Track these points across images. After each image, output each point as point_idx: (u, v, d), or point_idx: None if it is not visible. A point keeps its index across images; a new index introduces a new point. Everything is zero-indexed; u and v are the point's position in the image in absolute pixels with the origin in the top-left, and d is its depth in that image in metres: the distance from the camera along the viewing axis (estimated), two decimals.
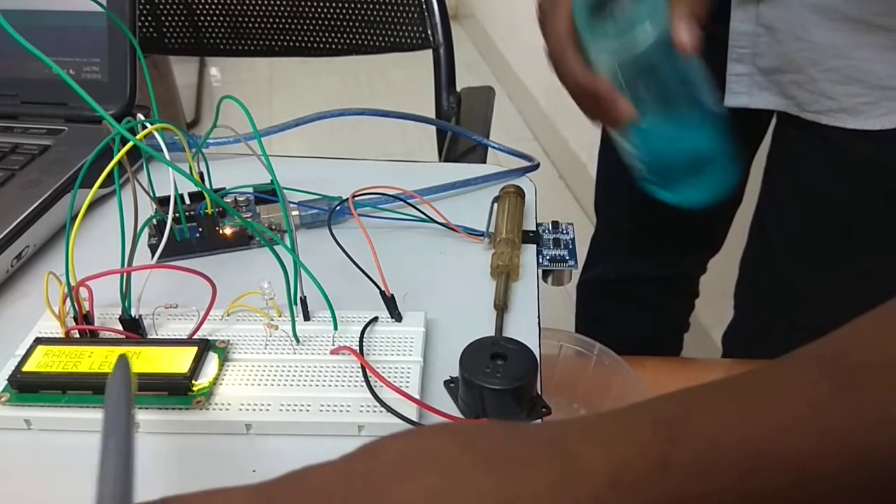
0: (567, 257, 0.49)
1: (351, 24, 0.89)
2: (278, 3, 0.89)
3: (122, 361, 0.27)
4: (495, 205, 0.50)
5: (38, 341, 0.37)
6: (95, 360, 0.36)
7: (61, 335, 0.38)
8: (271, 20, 0.90)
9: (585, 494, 0.23)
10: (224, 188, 0.49)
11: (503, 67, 2.47)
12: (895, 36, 0.53)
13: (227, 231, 0.47)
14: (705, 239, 0.84)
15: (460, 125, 0.81)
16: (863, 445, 0.22)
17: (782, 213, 0.68)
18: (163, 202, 0.46)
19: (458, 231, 0.49)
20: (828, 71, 0.56)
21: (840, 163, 0.60)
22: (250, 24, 0.91)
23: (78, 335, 0.38)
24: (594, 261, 0.90)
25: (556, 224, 0.52)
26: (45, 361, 0.36)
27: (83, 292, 0.38)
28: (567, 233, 0.51)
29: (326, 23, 0.89)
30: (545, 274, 0.49)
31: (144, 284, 0.38)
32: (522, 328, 0.42)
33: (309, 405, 0.35)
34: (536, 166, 0.57)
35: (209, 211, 0.46)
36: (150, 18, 0.90)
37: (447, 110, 0.85)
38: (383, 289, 0.41)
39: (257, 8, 0.89)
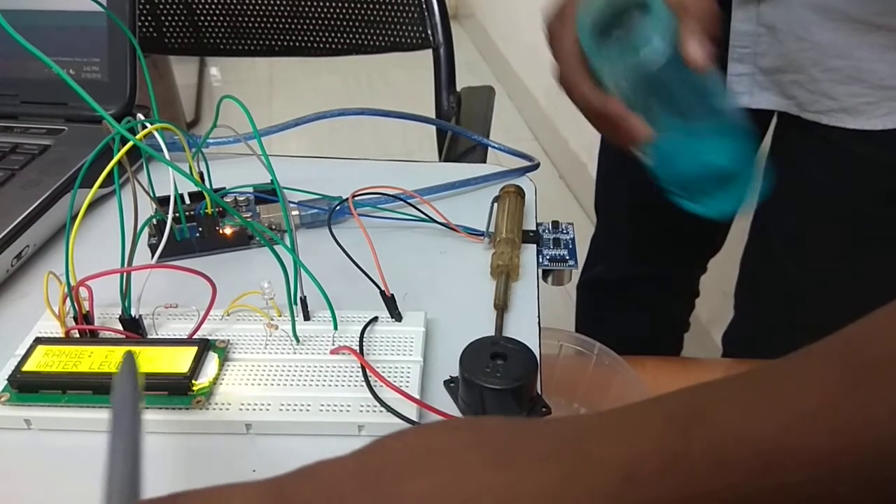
0: (567, 257, 0.49)
1: (351, 24, 0.89)
2: (278, 3, 0.89)
3: (129, 358, 0.27)
4: (495, 204, 0.50)
5: (38, 341, 0.37)
6: (95, 359, 0.36)
7: (61, 335, 0.38)
8: (271, 20, 0.90)
9: (598, 489, 0.22)
10: (224, 188, 0.49)
11: (503, 67, 2.47)
12: None
13: (227, 231, 0.47)
14: (705, 239, 0.84)
15: (460, 125, 0.81)
16: (877, 441, 0.22)
17: (782, 213, 0.68)
18: (163, 202, 0.46)
19: (458, 231, 0.49)
20: (829, 71, 0.56)
21: (840, 163, 0.60)
22: (250, 24, 0.91)
23: (78, 335, 0.38)
24: (594, 261, 0.90)
25: (556, 224, 0.52)
26: (45, 361, 0.36)
27: (83, 292, 0.38)
28: (567, 232, 0.51)
29: (326, 23, 0.89)
30: (545, 274, 0.49)
31: (144, 284, 0.38)
32: (522, 328, 0.42)
33: (309, 405, 0.35)
34: (536, 166, 0.57)
35: (209, 211, 0.46)
36: (150, 18, 0.90)
37: (447, 110, 0.85)
38: (383, 289, 0.41)
39: (257, 8, 0.89)
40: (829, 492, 0.22)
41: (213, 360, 0.37)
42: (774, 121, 0.67)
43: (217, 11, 0.90)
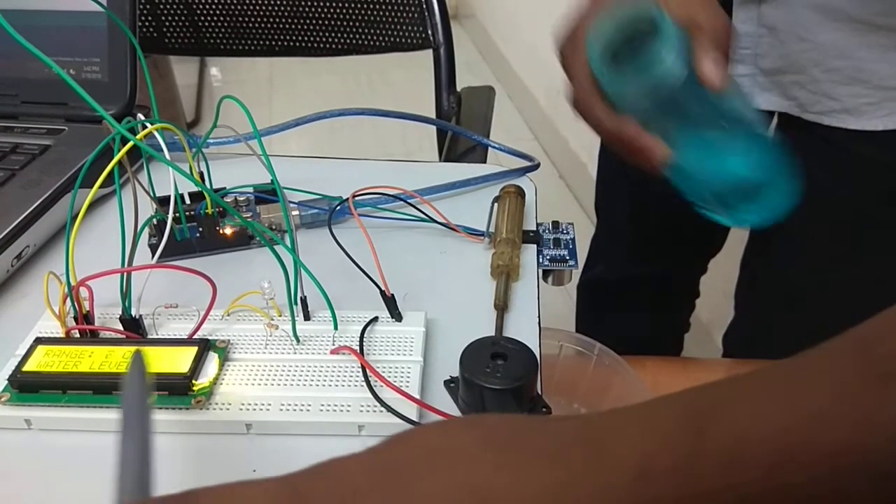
0: (567, 257, 0.49)
1: (351, 24, 0.89)
2: (278, 3, 0.89)
3: (138, 357, 0.27)
4: (495, 205, 0.50)
5: (39, 341, 0.37)
6: (95, 360, 0.36)
7: (61, 335, 0.38)
8: (271, 20, 0.90)
9: (610, 486, 0.22)
10: (224, 188, 0.49)
11: (503, 67, 2.47)
12: None
13: (228, 231, 0.47)
14: (706, 239, 0.84)
15: (460, 125, 0.81)
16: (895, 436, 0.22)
17: None
18: (163, 202, 0.46)
19: (458, 231, 0.49)
20: (830, 71, 0.56)
21: (841, 163, 0.60)
22: (250, 24, 0.91)
23: (78, 335, 0.38)
24: (594, 261, 0.90)
25: (556, 224, 0.52)
26: (45, 361, 0.36)
27: (83, 292, 0.38)
28: (567, 233, 0.51)
29: (326, 23, 0.89)
30: (545, 274, 0.49)
31: (144, 284, 0.38)
32: (522, 328, 0.42)
33: (309, 405, 0.35)
34: (537, 166, 0.57)
35: (209, 211, 0.46)
36: (150, 18, 0.90)
37: (447, 110, 0.85)
38: (383, 289, 0.41)
39: (257, 8, 0.89)
40: (846, 487, 0.22)
41: (213, 360, 0.37)
42: (775, 121, 0.67)
43: (217, 11, 0.90)
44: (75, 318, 0.38)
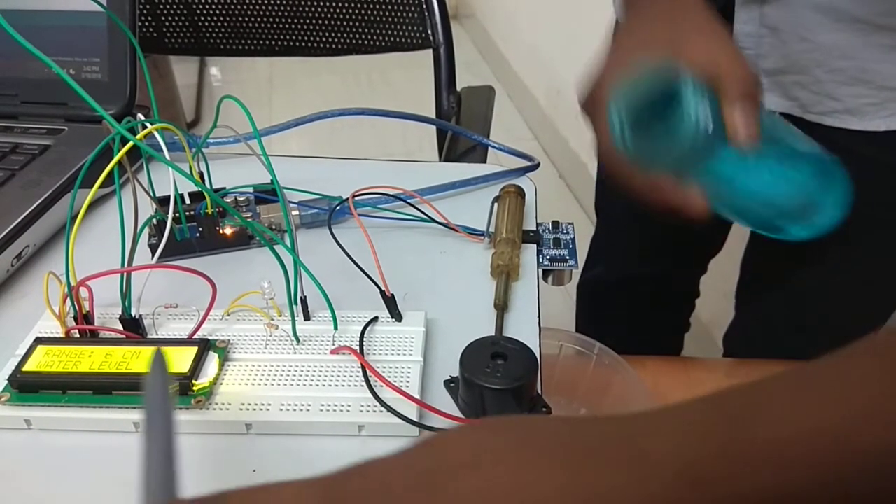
0: (567, 257, 0.49)
1: (351, 24, 0.89)
2: (278, 3, 0.89)
3: (159, 357, 0.26)
4: (495, 204, 0.50)
5: (38, 341, 0.37)
6: (95, 359, 0.36)
7: (61, 335, 0.38)
8: (271, 20, 0.90)
9: (658, 491, 0.22)
10: (224, 188, 0.49)
11: (503, 67, 2.47)
12: None
13: (227, 231, 0.47)
14: (706, 239, 0.84)
15: (460, 125, 0.81)
16: None
17: None
18: (163, 202, 0.46)
19: (458, 231, 0.49)
20: (832, 72, 0.56)
21: (843, 164, 0.60)
22: (250, 24, 0.91)
23: (78, 335, 0.38)
24: (594, 261, 0.90)
25: (556, 224, 0.52)
26: (45, 361, 0.36)
27: (83, 292, 0.38)
28: (567, 232, 0.51)
29: (326, 23, 0.89)
30: (545, 274, 0.49)
31: (144, 284, 0.38)
32: (522, 328, 0.42)
33: (309, 405, 0.35)
34: (536, 166, 0.57)
35: (209, 211, 0.46)
36: (150, 18, 0.90)
37: (447, 110, 0.85)
38: (383, 289, 0.40)
39: (257, 8, 0.89)
40: (889, 486, 0.22)
41: (213, 360, 0.37)
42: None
43: (217, 11, 0.90)
44: (75, 318, 0.38)
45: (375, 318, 0.40)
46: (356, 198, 0.48)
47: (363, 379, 0.36)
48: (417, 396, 0.35)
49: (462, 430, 0.25)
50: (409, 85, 1.60)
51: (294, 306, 0.38)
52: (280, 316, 0.40)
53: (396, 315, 0.40)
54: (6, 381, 0.36)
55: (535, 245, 0.49)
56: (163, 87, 1.81)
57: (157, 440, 0.23)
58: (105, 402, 0.35)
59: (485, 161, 0.67)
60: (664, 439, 0.24)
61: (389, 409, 0.34)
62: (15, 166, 0.51)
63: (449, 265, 0.47)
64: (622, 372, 0.60)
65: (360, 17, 0.88)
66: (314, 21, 0.90)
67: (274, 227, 0.48)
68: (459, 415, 0.36)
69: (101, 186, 0.36)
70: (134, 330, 0.39)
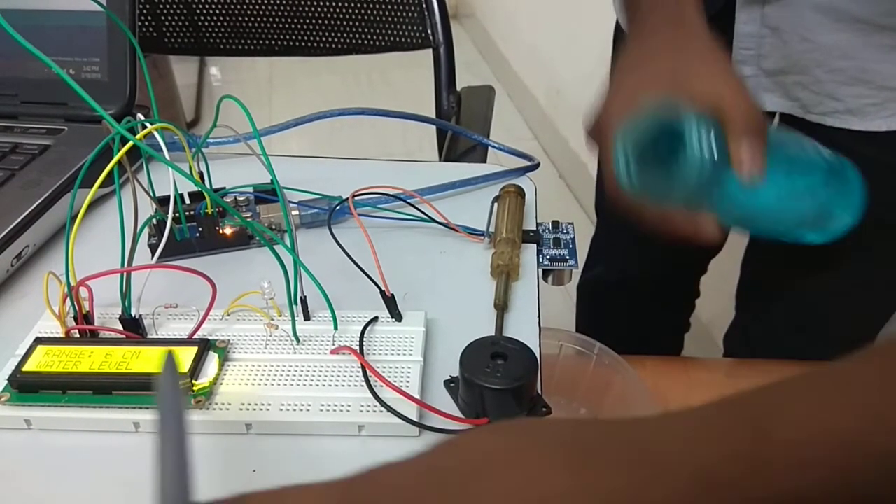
0: (567, 257, 0.49)
1: (351, 23, 0.89)
2: (278, 3, 0.89)
3: (171, 359, 0.26)
4: (495, 204, 0.50)
5: (38, 341, 0.37)
6: (95, 359, 0.36)
7: (61, 335, 0.38)
8: (271, 20, 0.90)
9: (674, 495, 0.22)
10: (224, 188, 0.49)
11: (503, 67, 2.47)
12: None
13: (227, 231, 0.47)
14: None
15: (460, 124, 0.81)
16: None
17: None
18: (163, 202, 0.46)
19: (458, 231, 0.49)
20: (834, 72, 0.56)
21: None
22: (250, 24, 0.91)
23: (78, 335, 0.38)
24: (595, 261, 0.90)
25: (556, 223, 0.52)
26: (45, 361, 0.36)
27: (83, 292, 0.38)
28: (567, 232, 0.51)
29: (326, 23, 0.89)
30: (545, 273, 0.49)
31: (144, 284, 0.38)
32: (522, 328, 0.42)
33: (309, 405, 0.35)
34: (536, 166, 0.57)
35: (209, 211, 0.46)
36: (150, 18, 0.90)
37: (447, 110, 0.85)
38: (383, 288, 0.40)
39: (257, 8, 0.89)
40: None
41: (213, 360, 0.37)
42: (776, 122, 0.67)
43: (217, 11, 0.90)
44: (75, 318, 0.38)
45: (375, 318, 0.40)
46: (356, 198, 0.48)
47: (363, 379, 0.36)
48: (417, 396, 0.35)
49: (477, 432, 0.25)
50: (409, 85, 1.60)
51: (294, 306, 0.38)
52: (280, 316, 0.40)
53: (396, 315, 0.40)
54: (6, 381, 0.36)
55: (535, 245, 0.49)
56: (163, 86, 1.81)
57: (171, 442, 0.23)
58: (105, 402, 0.35)
59: (485, 161, 0.67)
60: (679, 442, 0.24)
61: (389, 409, 0.34)
62: (15, 166, 0.51)
63: (449, 265, 0.47)
64: (622, 372, 0.60)
65: (360, 17, 0.88)
66: (314, 21, 0.90)
67: (274, 227, 0.48)
68: (459, 415, 0.36)
69: (100, 186, 0.36)
70: (134, 330, 0.39)
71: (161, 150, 0.38)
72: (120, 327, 0.39)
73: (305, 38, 0.91)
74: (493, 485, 0.22)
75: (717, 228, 0.44)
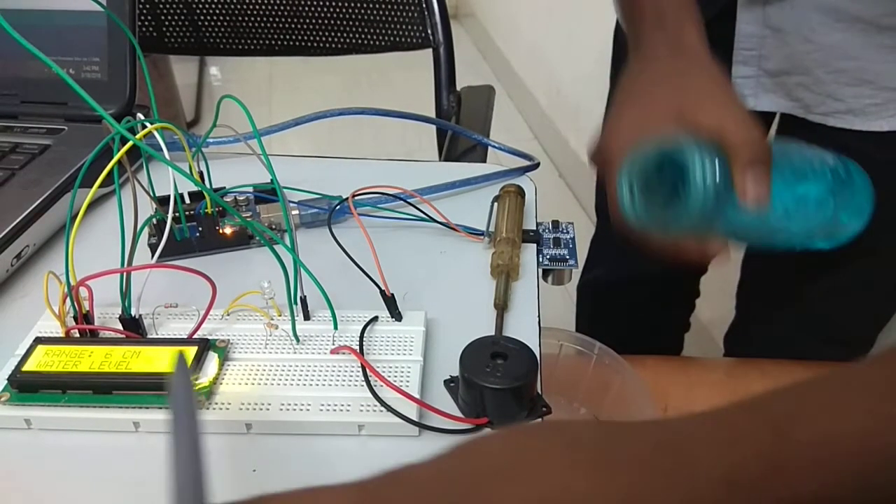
0: (567, 256, 0.49)
1: (351, 23, 0.89)
2: (278, 2, 0.89)
3: (181, 360, 0.26)
4: (495, 204, 0.50)
5: (38, 341, 0.37)
6: (95, 359, 0.36)
7: (61, 335, 0.38)
8: (271, 20, 0.90)
9: (699, 496, 0.22)
10: (224, 188, 0.49)
11: (503, 67, 2.47)
12: None
13: (227, 231, 0.47)
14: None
15: (460, 124, 0.81)
16: None
17: None
18: (163, 202, 0.46)
19: (458, 230, 0.49)
20: (835, 73, 0.56)
21: None
22: (250, 24, 0.91)
23: (78, 335, 0.38)
24: (594, 261, 0.90)
25: (556, 223, 0.52)
26: (45, 361, 0.36)
27: (83, 292, 0.38)
28: (567, 232, 0.51)
29: (326, 22, 0.89)
30: (545, 273, 0.49)
31: (144, 284, 0.38)
32: (522, 328, 0.42)
33: (309, 405, 0.35)
34: (536, 165, 0.57)
35: (209, 210, 0.46)
36: (150, 18, 0.90)
37: (447, 109, 0.85)
38: (383, 288, 0.40)
39: (257, 7, 0.89)
40: None
41: (213, 360, 0.37)
42: (777, 122, 0.67)
43: (217, 11, 0.90)
44: (75, 318, 0.38)
45: (375, 318, 0.40)
46: (356, 198, 0.48)
47: (363, 378, 0.36)
48: (417, 396, 0.35)
49: (498, 435, 0.25)
50: (409, 85, 1.60)
51: (294, 306, 0.38)
52: (280, 316, 0.40)
53: (396, 315, 0.40)
54: (6, 381, 0.36)
55: (535, 245, 0.49)
56: (163, 86, 1.81)
57: (185, 444, 0.23)
58: (105, 401, 0.35)
59: (485, 161, 0.67)
60: (702, 444, 0.24)
61: (389, 409, 0.34)
62: (15, 166, 0.51)
63: (449, 265, 0.47)
64: (622, 372, 0.60)
65: (360, 17, 0.88)
66: (314, 21, 0.90)
67: (274, 226, 0.48)
68: (459, 414, 0.36)
69: (100, 186, 0.36)
70: (134, 330, 0.39)
71: (161, 149, 0.38)
72: (120, 327, 0.38)
73: (305, 38, 0.91)
74: (519, 487, 0.22)
75: (725, 251, 0.44)
